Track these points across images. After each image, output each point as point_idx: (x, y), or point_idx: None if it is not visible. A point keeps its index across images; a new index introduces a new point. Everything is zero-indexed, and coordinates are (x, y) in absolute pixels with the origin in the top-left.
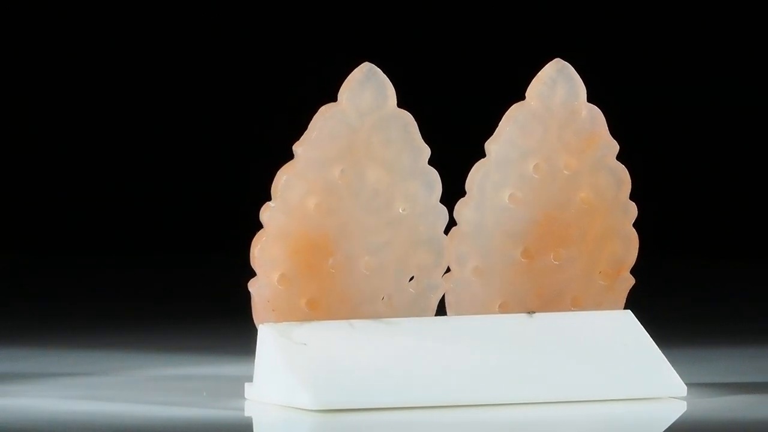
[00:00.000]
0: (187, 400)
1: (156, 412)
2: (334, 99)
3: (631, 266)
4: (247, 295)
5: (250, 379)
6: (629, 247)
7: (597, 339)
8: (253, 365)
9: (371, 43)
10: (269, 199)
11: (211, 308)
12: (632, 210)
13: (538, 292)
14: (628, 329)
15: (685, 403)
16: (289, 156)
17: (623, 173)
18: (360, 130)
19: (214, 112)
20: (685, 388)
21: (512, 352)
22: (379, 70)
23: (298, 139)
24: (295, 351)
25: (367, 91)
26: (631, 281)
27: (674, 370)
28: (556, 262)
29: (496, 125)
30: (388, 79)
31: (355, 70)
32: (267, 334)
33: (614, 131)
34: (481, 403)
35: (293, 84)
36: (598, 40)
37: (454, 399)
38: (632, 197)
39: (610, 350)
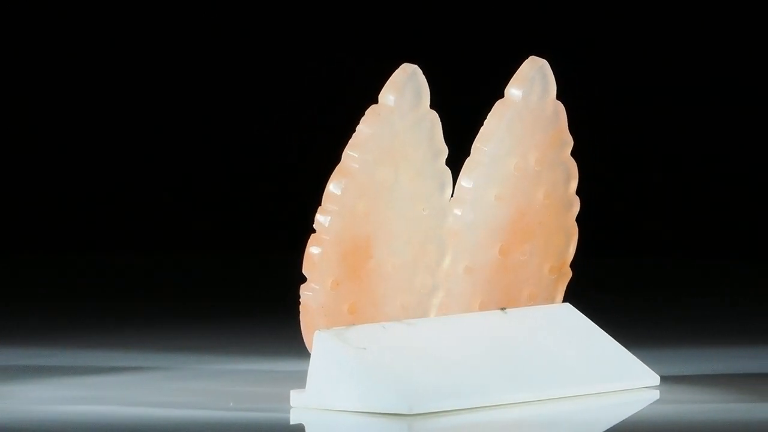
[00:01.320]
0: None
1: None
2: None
3: (570, 260)
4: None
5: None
6: (570, 241)
7: (558, 333)
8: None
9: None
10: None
11: (247, 309)
12: (576, 204)
13: (506, 290)
14: (577, 323)
15: (658, 391)
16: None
17: (573, 168)
18: (400, 132)
19: (253, 113)
20: (658, 377)
21: (512, 350)
22: (419, 70)
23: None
24: (364, 356)
25: (408, 93)
26: (569, 275)
27: (641, 361)
28: (522, 258)
29: (474, 121)
30: (425, 79)
31: (398, 71)
32: (328, 340)
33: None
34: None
35: (323, 83)
36: (568, 35)
37: (513, 397)
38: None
39: (577, 344)
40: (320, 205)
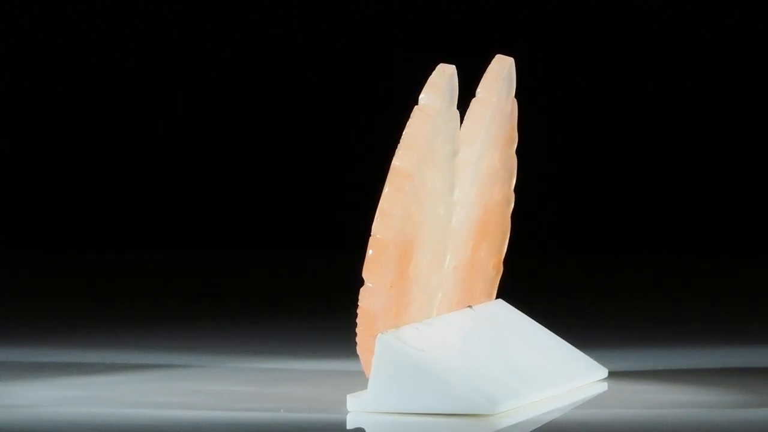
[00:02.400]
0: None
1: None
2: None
3: (503, 256)
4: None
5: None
6: (506, 238)
7: (510, 331)
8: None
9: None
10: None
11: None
12: (512, 202)
13: (470, 287)
14: (514, 318)
15: (606, 384)
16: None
17: (514, 166)
18: (440, 133)
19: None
20: (606, 370)
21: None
22: (455, 71)
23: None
24: (430, 358)
25: (447, 94)
26: (501, 272)
27: (586, 355)
28: (482, 255)
29: None
30: (453, 80)
31: (440, 72)
32: (393, 343)
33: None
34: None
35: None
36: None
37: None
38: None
39: (528, 341)
40: (377, 207)
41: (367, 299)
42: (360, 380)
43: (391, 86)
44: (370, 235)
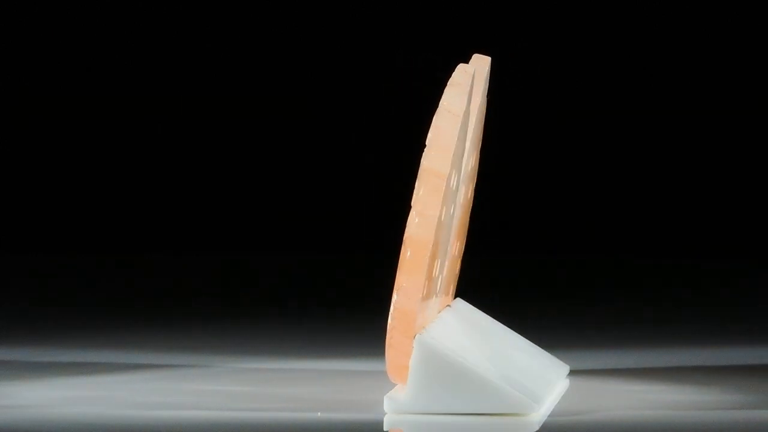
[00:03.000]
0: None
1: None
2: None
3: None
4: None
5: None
6: (464, 239)
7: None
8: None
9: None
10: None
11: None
12: (471, 202)
13: (448, 287)
14: (485, 318)
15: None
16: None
17: (477, 165)
18: (460, 134)
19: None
20: (568, 367)
21: None
22: (475, 70)
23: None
24: (468, 358)
25: (469, 93)
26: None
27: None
28: (456, 254)
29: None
30: (476, 75)
31: (461, 72)
32: (432, 344)
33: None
34: None
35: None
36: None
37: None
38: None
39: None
40: (410, 208)
41: (404, 300)
42: (376, 380)
43: (391, 85)
44: (403, 236)
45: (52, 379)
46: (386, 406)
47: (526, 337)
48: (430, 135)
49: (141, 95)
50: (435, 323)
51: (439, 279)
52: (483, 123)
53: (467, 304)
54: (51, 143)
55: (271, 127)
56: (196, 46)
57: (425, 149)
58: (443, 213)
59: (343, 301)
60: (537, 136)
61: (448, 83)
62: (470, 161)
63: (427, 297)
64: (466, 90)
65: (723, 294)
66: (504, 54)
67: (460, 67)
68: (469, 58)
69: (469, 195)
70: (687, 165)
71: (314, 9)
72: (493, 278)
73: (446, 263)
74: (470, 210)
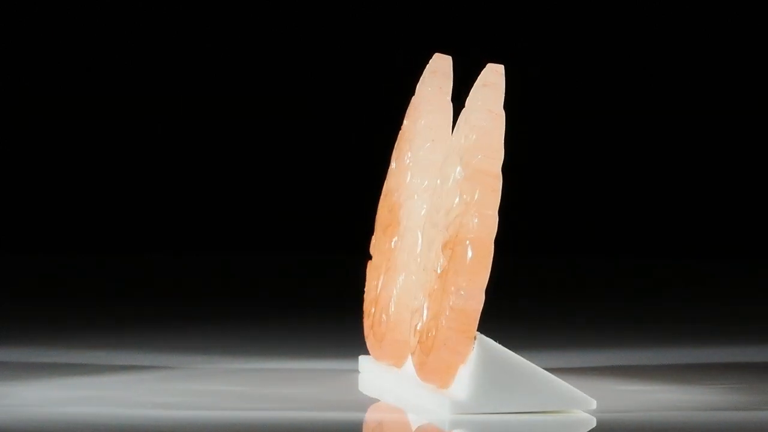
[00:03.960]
0: None
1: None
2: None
3: None
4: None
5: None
6: None
7: None
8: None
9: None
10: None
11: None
12: None
13: None
14: None
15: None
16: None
17: None
18: None
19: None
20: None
21: None
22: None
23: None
24: (521, 357)
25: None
26: None
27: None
28: None
29: None
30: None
31: (494, 72)
32: (494, 345)
33: None
34: None
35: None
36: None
37: None
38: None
39: None
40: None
41: (466, 301)
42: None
43: (392, 85)
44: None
45: (49, 380)
46: (447, 407)
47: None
48: (474, 136)
49: (139, 95)
50: None
51: None
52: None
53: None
54: (50, 143)
55: (269, 127)
56: (196, 46)
57: (469, 151)
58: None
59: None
60: (537, 136)
61: (479, 83)
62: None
63: None
64: (502, 89)
65: (722, 293)
66: (503, 54)
67: (490, 67)
68: (479, 61)
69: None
70: (688, 165)
71: (313, 9)
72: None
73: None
74: None
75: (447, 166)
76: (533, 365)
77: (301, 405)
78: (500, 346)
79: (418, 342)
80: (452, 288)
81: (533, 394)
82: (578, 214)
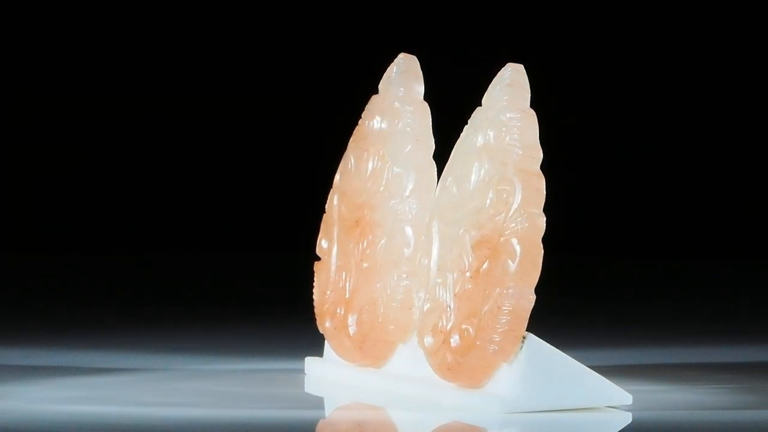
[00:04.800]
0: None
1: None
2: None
3: None
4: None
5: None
6: None
7: None
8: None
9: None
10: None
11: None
12: None
13: None
14: None
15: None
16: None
17: None
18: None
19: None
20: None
21: None
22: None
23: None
24: (565, 354)
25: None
26: None
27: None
28: None
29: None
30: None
31: (519, 72)
32: (543, 343)
33: None
34: None
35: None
36: None
37: None
38: None
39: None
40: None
41: (519, 300)
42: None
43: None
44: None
45: (49, 380)
46: (496, 406)
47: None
48: (509, 136)
49: (137, 95)
50: None
51: None
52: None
53: None
54: (49, 143)
55: (265, 127)
56: (196, 46)
57: (506, 150)
58: None
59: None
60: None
61: (503, 83)
62: None
63: None
64: (528, 88)
65: (724, 293)
66: (502, 54)
67: (513, 66)
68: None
69: None
70: (690, 165)
71: (310, 9)
72: None
73: None
74: None
75: (464, 165)
76: (575, 361)
77: (283, 405)
78: (545, 343)
79: (442, 342)
80: (498, 288)
81: (577, 391)
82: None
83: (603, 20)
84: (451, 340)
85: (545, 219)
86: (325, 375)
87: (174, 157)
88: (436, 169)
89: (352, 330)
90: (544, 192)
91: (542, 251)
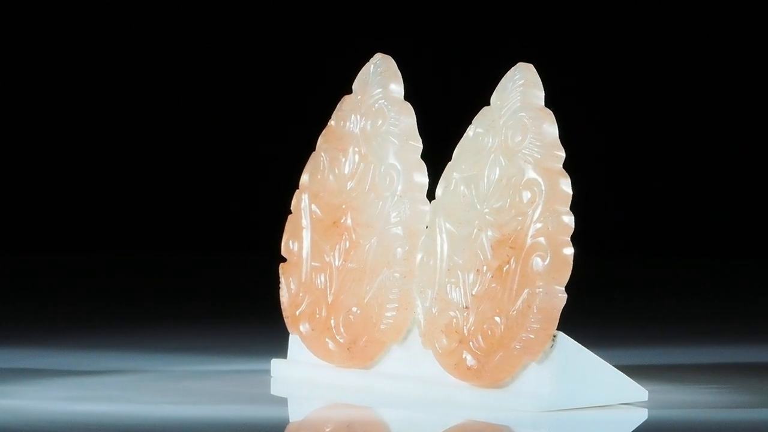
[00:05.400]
0: None
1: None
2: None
3: None
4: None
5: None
6: None
7: None
8: None
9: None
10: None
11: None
12: None
13: None
14: None
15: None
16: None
17: None
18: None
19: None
20: (646, 392)
21: None
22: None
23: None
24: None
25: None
26: None
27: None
28: None
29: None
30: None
31: (532, 70)
32: (572, 342)
33: None
34: None
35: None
36: None
37: None
38: None
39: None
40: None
41: (551, 299)
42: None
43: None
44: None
45: (42, 381)
46: (527, 405)
47: None
48: (529, 135)
49: (135, 95)
50: None
51: None
52: None
53: None
54: (50, 143)
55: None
56: (196, 45)
57: (528, 150)
58: None
59: None
60: None
61: (516, 82)
62: None
63: None
64: (541, 87)
65: (724, 293)
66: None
67: (524, 66)
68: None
69: None
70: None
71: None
72: None
73: None
74: None
75: (475, 165)
76: (599, 358)
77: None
78: (573, 341)
79: (458, 342)
80: (528, 288)
81: (602, 388)
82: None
83: (602, 20)
84: (472, 341)
85: (573, 218)
86: (301, 377)
87: (149, 158)
88: (426, 169)
89: (337, 332)
90: (571, 190)
91: (572, 249)
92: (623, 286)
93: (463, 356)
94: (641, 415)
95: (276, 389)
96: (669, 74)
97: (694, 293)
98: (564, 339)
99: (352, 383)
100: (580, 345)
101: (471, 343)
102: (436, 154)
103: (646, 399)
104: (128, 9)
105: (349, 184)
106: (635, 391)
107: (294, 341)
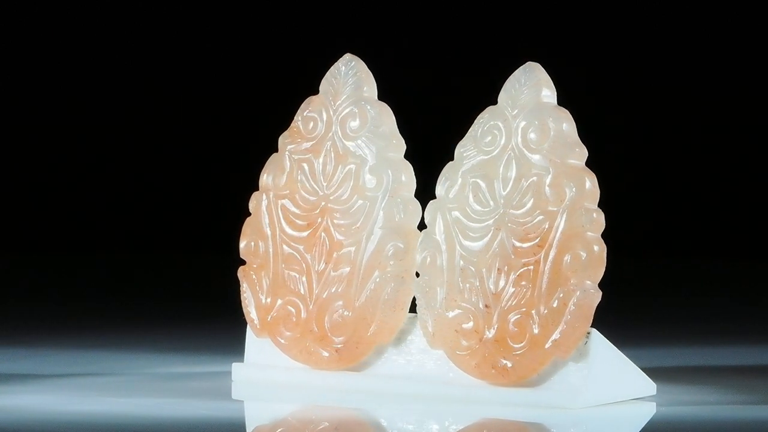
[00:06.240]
0: None
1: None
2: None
3: None
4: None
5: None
6: None
7: None
8: None
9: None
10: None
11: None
12: None
13: None
14: None
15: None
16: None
17: None
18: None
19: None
20: (655, 386)
21: None
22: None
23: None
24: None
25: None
26: None
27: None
28: None
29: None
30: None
31: (538, 69)
32: (605, 339)
33: None
34: None
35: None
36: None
37: None
38: None
39: None
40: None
41: (585, 298)
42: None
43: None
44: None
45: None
46: (564, 402)
47: None
48: (549, 135)
49: (134, 95)
50: None
51: None
52: None
53: None
54: (50, 143)
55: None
56: (196, 45)
57: (549, 149)
58: None
59: None
60: None
61: (528, 82)
62: None
63: None
64: (552, 86)
65: (725, 293)
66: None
67: (534, 66)
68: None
69: None
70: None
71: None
72: None
73: None
74: None
75: (487, 164)
76: (622, 354)
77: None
78: (604, 338)
79: (479, 341)
80: (560, 287)
81: (629, 384)
82: None
83: (602, 20)
84: (497, 341)
85: (603, 215)
86: (262, 379)
87: (110, 160)
88: (412, 168)
89: (324, 335)
90: (598, 188)
91: (605, 247)
92: (637, 285)
93: (486, 356)
94: (650, 410)
95: (237, 393)
96: (669, 74)
97: (705, 293)
98: (596, 336)
99: (358, 385)
100: (608, 341)
101: (496, 342)
102: (419, 154)
103: (654, 393)
104: (114, 17)
105: (325, 185)
106: (646, 385)
107: (252, 344)
